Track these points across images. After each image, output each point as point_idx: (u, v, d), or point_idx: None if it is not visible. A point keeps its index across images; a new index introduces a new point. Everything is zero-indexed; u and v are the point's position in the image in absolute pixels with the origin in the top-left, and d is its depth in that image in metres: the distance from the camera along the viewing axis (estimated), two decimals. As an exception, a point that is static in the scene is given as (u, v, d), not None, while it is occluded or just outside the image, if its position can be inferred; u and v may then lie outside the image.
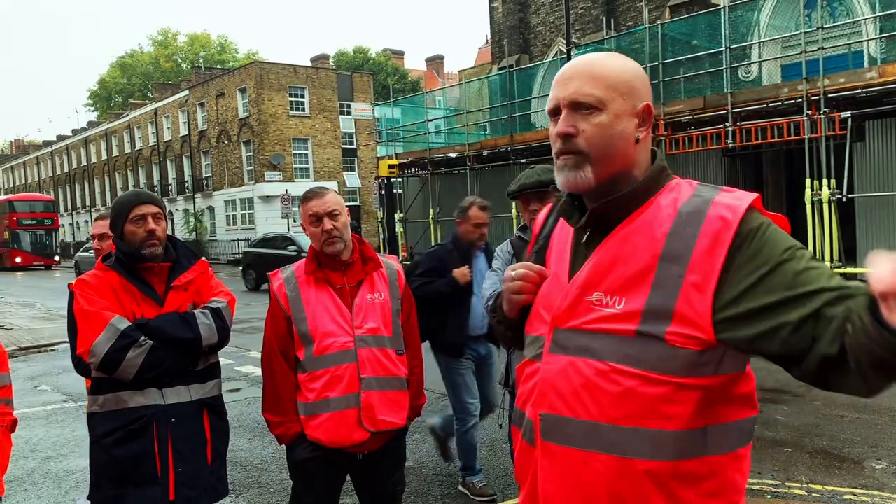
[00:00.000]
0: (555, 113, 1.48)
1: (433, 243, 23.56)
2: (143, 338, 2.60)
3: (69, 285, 3.33)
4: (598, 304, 1.39)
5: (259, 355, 2.97)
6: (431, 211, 23.94)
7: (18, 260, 41.05)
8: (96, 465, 2.71)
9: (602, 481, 1.36)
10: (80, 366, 3.18)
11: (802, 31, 14.96)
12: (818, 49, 14.33)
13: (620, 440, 1.35)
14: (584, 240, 1.49)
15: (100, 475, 2.69)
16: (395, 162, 25.23)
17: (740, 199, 1.35)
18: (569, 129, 1.43)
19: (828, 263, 14.25)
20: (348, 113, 43.34)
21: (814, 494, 4.45)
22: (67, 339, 3.31)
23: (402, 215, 26.29)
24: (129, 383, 2.62)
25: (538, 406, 1.46)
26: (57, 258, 43.75)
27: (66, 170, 64.30)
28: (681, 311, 1.30)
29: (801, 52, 14.73)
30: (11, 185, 77.73)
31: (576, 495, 1.40)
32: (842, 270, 14.43)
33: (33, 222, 43.47)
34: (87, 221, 58.30)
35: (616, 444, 1.35)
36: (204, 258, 3.01)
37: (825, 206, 14.30)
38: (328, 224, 2.77)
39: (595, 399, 1.37)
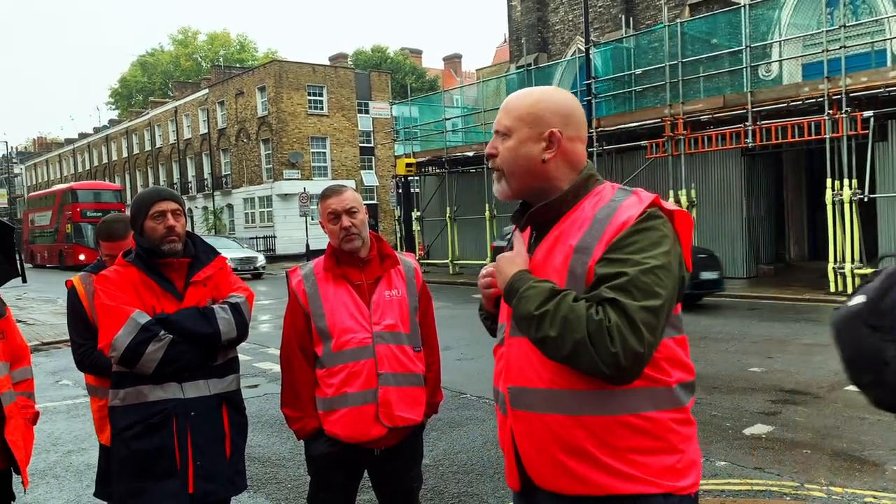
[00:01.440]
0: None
1: (450, 242, 23.62)
2: (162, 332, 2.63)
3: (67, 282, 3.37)
4: None
5: (277, 352, 3.00)
6: (448, 210, 23.95)
7: (82, 257, 34.46)
8: (116, 458, 2.75)
9: (558, 437, 1.67)
10: (85, 362, 3.22)
11: (824, 29, 14.81)
12: (840, 47, 14.18)
13: (567, 402, 1.65)
14: (533, 240, 1.82)
15: (120, 468, 2.73)
16: (412, 160, 25.27)
17: (641, 204, 1.66)
18: (490, 150, 1.84)
19: (849, 265, 14.11)
20: (366, 111, 43.44)
21: (834, 497, 4.41)
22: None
23: (419, 214, 26.32)
24: (149, 377, 2.65)
25: (506, 381, 1.78)
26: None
27: (87, 167, 64.97)
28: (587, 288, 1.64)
29: (823, 51, 14.58)
30: (34, 181, 78.68)
31: (542, 450, 1.70)
32: (863, 271, 14.28)
33: (98, 214, 37.19)
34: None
35: (564, 405, 1.66)
36: (222, 254, 3.04)
37: (846, 206, 14.15)
38: (346, 221, 2.79)
39: (547, 371, 1.67)
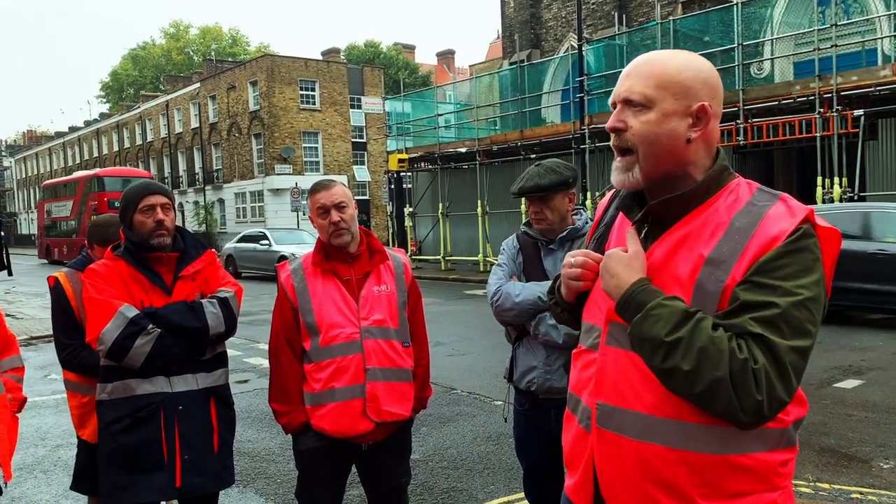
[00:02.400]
0: (614, 108, 1.55)
1: (442, 238, 23.61)
2: (151, 326, 2.63)
3: (49, 279, 3.33)
4: None
5: (267, 347, 2.99)
6: (441, 206, 23.94)
7: None
8: (104, 452, 2.74)
9: (652, 469, 1.45)
10: (74, 363, 3.19)
11: (816, 28, 14.87)
12: (832, 46, 14.23)
13: (670, 433, 1.43)
14: (643, 235, 1.55)
15: (108, 462, 2.72)
16: (404, 156, 25.23)
17: (793, 217, 1.41)
18: (617, 123, 1.51)
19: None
20: (359, 107, 43.38)
21: (821, 493, 4.44)
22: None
23: (411, 210, 26.30)
24: (137, 371, 2.65)
25: (595, 395, 1.55)
26: None
27: (77, 161, 64.61)
28: (720, 310, 1.40)
29: (815, 50, 14.64)
30: (24, 175, 78.23)
31: (629, 480, 1.48)
32: (852, 269, 14.36)
33: None
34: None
35: (665, 436, 1.44)
36: (212, 249, 3.03)
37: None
38: (335, 216, 2.78)
39: (649, 393, 1.45)
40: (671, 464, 1.44)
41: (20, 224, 77.87)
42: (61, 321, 3.26)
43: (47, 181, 45.46)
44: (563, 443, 1.72)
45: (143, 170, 43.98)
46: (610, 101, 1.56)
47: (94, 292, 2.66)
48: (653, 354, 1.39)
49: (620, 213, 1.66)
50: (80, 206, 35.14)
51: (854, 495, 4.38)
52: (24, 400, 3.04)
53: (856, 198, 14.24)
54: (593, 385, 1.56)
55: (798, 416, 1.49)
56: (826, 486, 4.55)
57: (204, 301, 2.77)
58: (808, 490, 4.48)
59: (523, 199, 3.05)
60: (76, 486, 3.48)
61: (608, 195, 1.80)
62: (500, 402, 6.33)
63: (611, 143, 1.56)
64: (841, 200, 14.14)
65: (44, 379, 8.76)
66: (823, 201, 14.38)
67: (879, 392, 6.80)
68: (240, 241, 24.31)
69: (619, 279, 1.47)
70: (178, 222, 2.90)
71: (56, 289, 3.28)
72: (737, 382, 1.31)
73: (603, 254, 1.60)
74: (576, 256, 1.64)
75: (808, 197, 16.16)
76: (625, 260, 1.49)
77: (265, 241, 22.48)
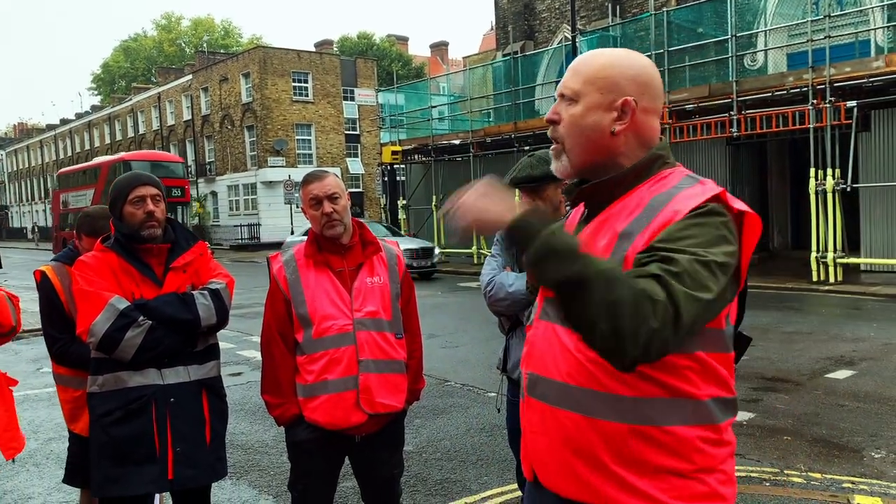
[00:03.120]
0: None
1: (436, 230, 23.58)
2: (141, 318, 2.61)
3: (36, 273, 3.30)
4: None
5: (260, 339, 2.98)
6: (434, 198, 23.91)
7: None
8: (95, 444, 2.73)
9: (570, 437, 1.53)
10: (65, 357, 3.16)
11: (809, 19, 14.87)
12: (825, 38, 14.24)
13: (582, 400, 1.50)
14: (584, 218, 1.65)
15: (99, 455, 2.71)
16: (398, 148, 25.19)
17: (702, 195, 1.46)
18: (552, 115, 1.61)
19: (831, 254, 14.24)
20: (352, 99, 43.26)
21: (813, 482, 4.46)
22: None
23: (404, 202, 26.26)
24: (128, 363, 2.63)
25: (526, 366, 1.67)
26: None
27: (69, 153, 64.28)
28: None
29: (808, 41, 14.64)
30: (15, 168, 77.80)
31: (552, 447, 1.57)
32: (845, 260, 14.42)
33: None
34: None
35: (579, 403, 1.51)
36: (203, 240, 3.01)
37: (829, 195, 14.26)
38: (328, 207, 2.76)
39: (566, 362, 1.53)
40: (585, 431, 1.50)
41: (11, 217, 77.50)
42: (51, 315, 3.23)
43: (63, 169, 41.10)
44: None
45: (173, 153, 38.21)
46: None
47: (85, 284, 2.64)
48: (562, 264, 1.33)
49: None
50: (104, 194, 30.65)
51: (846, 484, 4.40)
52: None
53: (849, 189, 14.29)
54: (525, 356, 1.68)
55: (714, 395, 1.49)
56: (818, 475, 4.57)
57: (195, 293, 2.76)
58: (800, 480, 4.50)
59: (517, 191, 3.05)
60: (69, 479, 3.47)
61: None
62: (493, 394, 6.34)
63: (548, 133, 1.65)
64: (834, 192, 14.19)
65: (36, 372, 8.73)
66: (816, 192, 14.43)
67: (871, 382, 6.83)
68: (307, 234, 20.68)
69: (501, 204, 1.47)
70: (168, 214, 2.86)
71: (44, 283, 3.24)
72: (638, 304, 1.28)
73: None
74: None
75: (801, 188, 16.21)
76: (489, 196, 1.49)
77: None
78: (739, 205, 1.48)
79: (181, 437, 2.69)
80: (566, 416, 1.53)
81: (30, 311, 14.03)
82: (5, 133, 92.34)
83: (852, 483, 4.42)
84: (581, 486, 1.52)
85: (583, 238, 1.53)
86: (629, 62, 1.58)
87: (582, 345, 1.45)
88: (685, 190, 1.49)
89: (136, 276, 2.71)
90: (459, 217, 1.51)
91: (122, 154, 36.02)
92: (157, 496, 3.24)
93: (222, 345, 3.01)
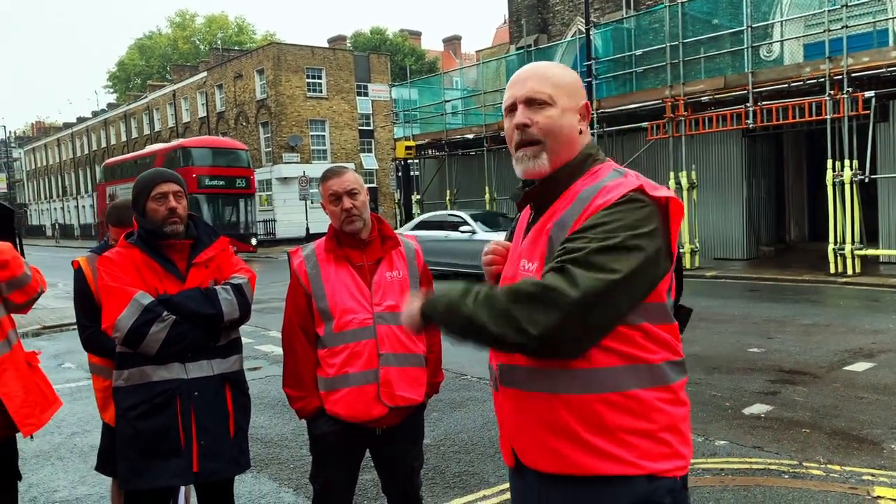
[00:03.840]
0: (511, 110, 1.77)
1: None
2: (165, 313, 2.65)
3: (73, 263, 3.40)
4: (524, 271, 1.73)
5: (279, 334, 3.01)
6: (448, 192, 23.92)
7: None
8: (121, 437, 2.78)
9: (541, 415, 1.67)
10: (92, 344, 3.25)
11: (826, 8, 14.72)
12: (842, 27, 14.09)
13: (551, 379, 1.64)
14: (532, 218, 1.81)
15: (125, 447, 2.75)
16: (412, 143, 25.20)
17: (621, 187, 1.62)
18: (525, 119, 1.73)
19: (849, 246, 14.12)
20: (365, 94, 43.26)
21: (832, 475, 4.45)
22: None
23: (418, 197, 26.29)
24: (153, 358, 2.68)
25: (496, 358, 1.80)
26: (255, 241, 29.16)
27: (86, 151, 64.83)
28: None
29: (825, 31, 14.50)
30: (33, 166, 78.56)
31: (527, 428, 1.71)
32: (863, 252, 14.30)
33: (222, 182, 27.87)
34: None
35: (548, 382, 1.65)
36: (224, 236, 3.05)
37: (847, 187, 14.13)
38: (347, 203, 2.79)
39: None
40: (556, 408, 1.64)
41: (30, 215, 78.28)
42: (83, 304, 3.34)
43: (109, 160, 38.41)
44: None
45: (236, 141, 33.92)
46: (505, 104, 1.78)
47: (109, 280, 2.69)
48: (449, 324, 1.64)
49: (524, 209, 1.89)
50: None
51: (865, 477, 4.38)
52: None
53: (867, 180, 14.16)
54: (494, 351, 1.79)
55: (666, 358, 1.65)
56: (837, 467, 4.56)
57: (218, 287, 2.80)
58: (819, 472, 4.49)
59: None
60: (100, 467, 3.54)
61: None
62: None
63: (514, 140, 1.76)
64: (851, 183, 14.06)
65: (58, 367, 8.84)
66: (834, 184, 14.31)
67: (891, 374, 6.79)
68: (418, 227, 17.69)
69: (412, 305, 1.72)
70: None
71: (77, 273, 3.36)
72: (534, 301, 1.51)
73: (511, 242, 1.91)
74: (488, 246, 1.96)
75: (818, 179, 16.08)
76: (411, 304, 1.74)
77: (466, 228, 16.04)
78: (661, 192, 1.63)
79: (205, 430, 2.74)
80: (537, 396, 1.67)
81: (49, 307, 14.22)
82: (23, 132, 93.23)
83: (872, 475, 4.41)
84: (559, 460, 1.65)
85: (529, 238, 1.75)
86: (574, 73, 1.82)
87: None
88: (609, 182, 1.65)
89: (160, 272, 2.76)
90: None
91: (179, 140, 33.16)
92: (181, 489, 3.30)
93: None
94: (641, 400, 1.62)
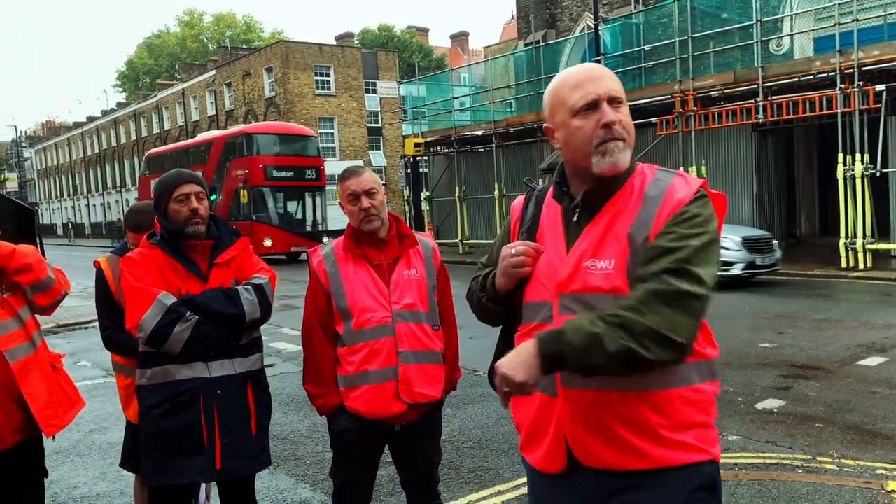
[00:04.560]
0: (590, 107, 1.74)
1: (459, 221, 23.62)
2: (189, 313, 2.70)
3: (95, 262, 3.45)
4: (594, 269, 1.71)
5: (293, 332, 3.06)
6: (457, 189, 23.94)
7: (268, 243, 22.99)
8: (145, 435, 2.83)
9: (620, 412, 1.69)
10: (112, 343, 3.30)
11: (836, 2, 14.65)
12: (852, 21, 14.04)
13: (624, 378, 1.66)
14: (576, 219, 1.80)
15: (149, 445, 2.80)
16: (420, 140, 25.21)
17: (691, 184, 1.72)
18: (612, 116, 1.74)
19: (860, 240, 14.07)
20: (374, 91, 43.33)
21: (846, 469, 4.46)
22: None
23: (427, 194, 26.32)
24: (176, 357, 2.72)
25: None
26: (326, 240, 16.39)
27: (96, 150, 65.18)
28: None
29: (835, 24, 14.44)
30: (44, 165, 79.00)
31: (599, 427, 1.71)
32: (875, 246, 14.24)
33: (290, 174, 24.85)
34: (117, 202, 59.20)
35: (627, 381, 1.67)
36: (244, 236, 3.09)
37: (858, 181, 14.08)
38: (365, 202, 2.83)
39: None
40: (635, 404, 1.68)
41: (41, 214, 78.75)
42: (103, 304, 3.40)
43: (153, 150, 34.68)
44: (520, 421, 1.91)
45: (303, 126, 31.00)
46: (586, 101, 1.74)
47: (133, 280, 2.73)
48: (599, 349, 1.57)
49: (544, 208, 1.90)
50: (217, 176, 24.89)
51: (879, 471, 4.40)
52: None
53: (878, 174, 14.10)
54: None
55: (713, 355, 1.78)
56: (851, 462, 4.57)
57: (239, 287, 2.84)
58: (832, 467, 4.51)
59: (540, 180, 3.08)
60: (124, 463, 3.61)
61: (522, 198, 2.04)
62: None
63: (599, 136, 1.73)
64: (862, 177, 14.01)
65: (74, 366, 8.92)
66: (845, 178, 14.26)
67: (903, 369, 6.78)
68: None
69: (522, 354, 1.62)
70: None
71: (98, 273, 3.42)
72: (676, 307, 1.58)
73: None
74: (515, 247, 1.85)
75: (828, 174, 16.01)
76: (513, 353, 1.65)
77: None
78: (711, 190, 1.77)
79: (228, 428, 2.78)
80: (612, 394, 1.69)
81: (64, 305, 14.33)
82: (34, 131, 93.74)
83: (886, 470, 4.42)
84: (635, 455, 1.69)
85: (595, 237, 1.73)
86: None
87: None
88: (673, 181, 1.73)
89: (182, 272, 2.80)
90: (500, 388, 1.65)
91: (241, 126, 30.05)
92: (202, 486, 3.36)
93: (261, 337, 3.09)
94: (704, 393, 1.75)
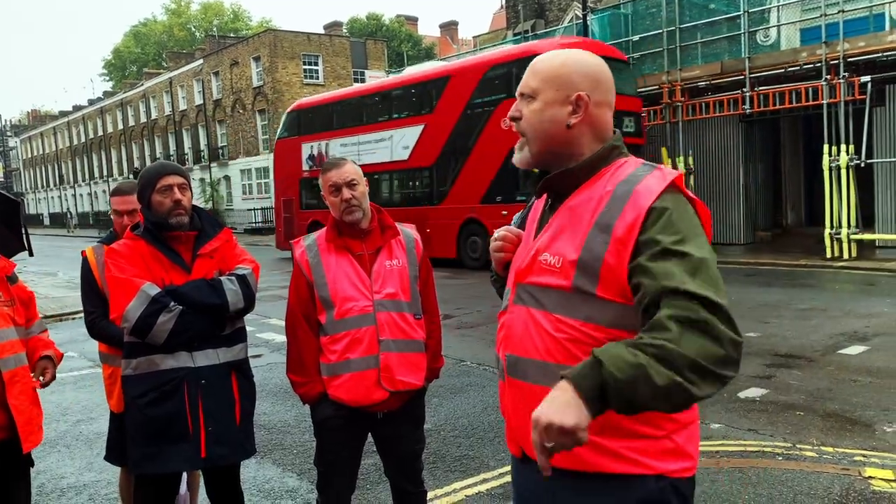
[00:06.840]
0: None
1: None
2: (172, 303, 2.72)
3: (82, 252, 3.48)
4: (545, 264, 1.66)
5: (280, 322, 3.09)
6: (447, 179, 23.86)
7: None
8: (131, 424, 2.85)
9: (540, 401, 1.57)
10: (94, 330, 3.34)
11: (823, -7, 14.72)
12: (838, 12, 14.12)
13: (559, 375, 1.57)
14: (548, 208, 1.78)
15: (136, 433, 2.83)
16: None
17: (662, 182, 1.58)
18: (514, 112, 1.75)
19: (845, 231, 14.20)
20: (362, 80, 43.11)
21: (825, 456, 4.54)
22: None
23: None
24: (161, 347, 2.74)
25: (504, 348, 1.77)
26: None
27: (82, 140, 64.68)
28: (605, 270, 1.57)
29: (821, 16, 14.52)
30: (29, 154, 78.32)
31: (524, 414, 1.62)
32: (859, 237, 14.38)
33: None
34: (104, 191, 58.81)
35: (553, 376, 1.54)
36: (227, 227, 3.11)
37: (843, 171, 14.20)
38: (347, 193, 2.86)
39: (544, 343, 1.65)
40: None
41: (27, 204, 78.20)
42: (87, 292, 3.44)
43: (302, 101, 24.09)
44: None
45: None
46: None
47: (117, 272, 2.75)
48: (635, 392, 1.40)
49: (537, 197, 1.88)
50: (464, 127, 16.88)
51: (857, 458, 4.47)
52: (61, 356, 3.21)
53: (863, 164, 14.21)
54: (503, 339, 1.78)
55: None
56: (830, 449, 4.65)
57: (223, 278, 2.86)
58: (812, 454, 4.58)
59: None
60: (108, 456, 3.61)
61: None
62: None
63: (512, 129, 1.77)
64: (848, 167, 14.12)
65: (60, 356, 8.90)
66: (830, 169, 14.37)
67: (884, 357, 6.88)
68: None
69: (560, 397, 1.41)
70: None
71: (83, 262, 3.46)
72: (709, 330, 1.51)
73: (524, 230, 1.87)
74: (498, 232, 1.93)
75: (814, 164, 16.12)
76: (557, 404, 1.43)
77: None
78: (690, 193, 1.64)
79: (212, 417, 2.81)
80: (546, 391, 1.51)
81: (51, 296, 14.28)
82: (19, 120, 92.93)
83: (864, 456, 4.50)
84: (567, 455, 1.54)
85: (553, 228, 1.68)
86: (583, 60, 1.71)
87: (561, 325, 1.62)
88: (645, 177, 1.60)
89: (166, 263, 2.82)
90: (544, 443, 1.43)
91: (300, 100, 24.22)
92: (183, 487, 3.39)
93: (245, 327, 3.12)
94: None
